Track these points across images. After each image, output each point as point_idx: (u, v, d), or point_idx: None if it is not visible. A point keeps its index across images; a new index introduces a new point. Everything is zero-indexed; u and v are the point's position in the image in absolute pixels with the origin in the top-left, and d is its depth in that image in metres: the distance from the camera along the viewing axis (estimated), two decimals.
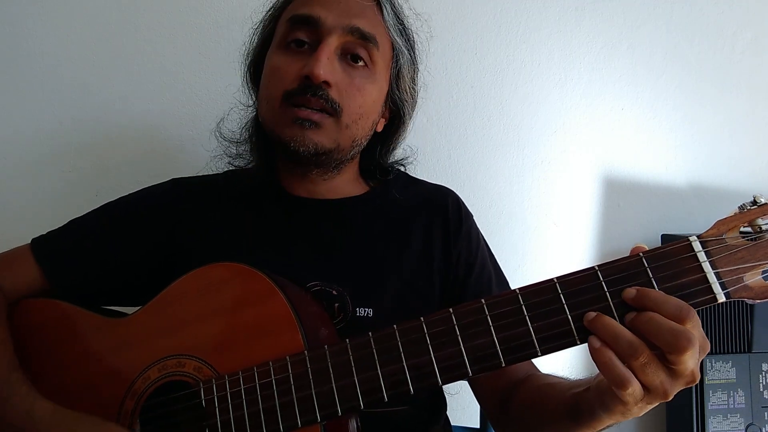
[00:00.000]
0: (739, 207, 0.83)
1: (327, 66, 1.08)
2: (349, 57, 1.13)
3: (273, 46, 1.16)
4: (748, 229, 0.82)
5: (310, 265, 1.15)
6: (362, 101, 1.16)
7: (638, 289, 0.80)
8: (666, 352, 0.75)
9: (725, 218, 0.82)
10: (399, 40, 1.20)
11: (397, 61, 1.21)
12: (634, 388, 0.76)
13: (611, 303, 0.81)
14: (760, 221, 0.81)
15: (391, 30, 1.18)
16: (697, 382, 0.77)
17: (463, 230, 1.25)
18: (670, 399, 0.77)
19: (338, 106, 1.11)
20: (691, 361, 0.75)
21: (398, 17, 1.21)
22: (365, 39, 1.13)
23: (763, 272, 0.79)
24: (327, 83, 1.09)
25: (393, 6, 1.20)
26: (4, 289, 1.14)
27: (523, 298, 0.85)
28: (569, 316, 0.82)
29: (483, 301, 0.86)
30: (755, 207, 0.82)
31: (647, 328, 0.76)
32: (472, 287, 1.22)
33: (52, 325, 1.11)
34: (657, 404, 0.79)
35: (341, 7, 1.12)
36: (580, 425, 0.88)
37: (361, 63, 1.14)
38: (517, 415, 1.09)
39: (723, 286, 0.79)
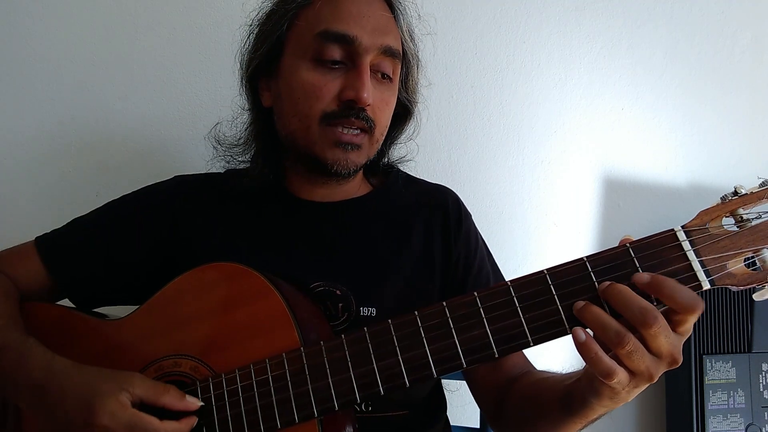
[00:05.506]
0: (721, 198, 0.85)
1: (371, 90, 1.09)
2: (379, 75, 1.14)
3: (297, 57, 1.13)
4: (730, 219, 0.84)
5: (313, 265, 1.15)
6: (388, 114, 1.19)
7: (651, 275, 0.81)
8: (634, 326, 0.77)
9: (708, 208, 0.84)
10: (411, 46, 1.21)
11: (408, 65, 1.22)
12: (621, 377, 0.77)
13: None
14: (741, 211, 0.83)
15: (405, 37, 1.18)
16: (680, 364, 0.79)
17: (462, 230, 1.25)
18: (656, 381, 0.79)
19: (373, 124, 1.13)
20: (661, 337, 0.76)
21: (408, 22, 1.21)
22: (394, 56, 1.14)
23: (745, 260, 0.81)
24: (369, 105, 1.10)
25: (404, 13, 1.20)
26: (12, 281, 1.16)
27: (515, 289, 0.86)
28: (559, 306, 0.84)
29: (475, 294, 0.88)
30: (736, 197, 0.84)
31: (617, 300, 0.79)
32: (470, 286, 1.22)
33: (47, 328, 1.11)
34: (645, 387, 0.81)
35: (372, 23, 1.10)
36: (573, 415, 0.89)
37: (386, 78, 1.15)
38: (513, 412, 1.10)
39: (707, 274, 0.81)
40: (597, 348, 0.78)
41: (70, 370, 0.97)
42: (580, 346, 0.79)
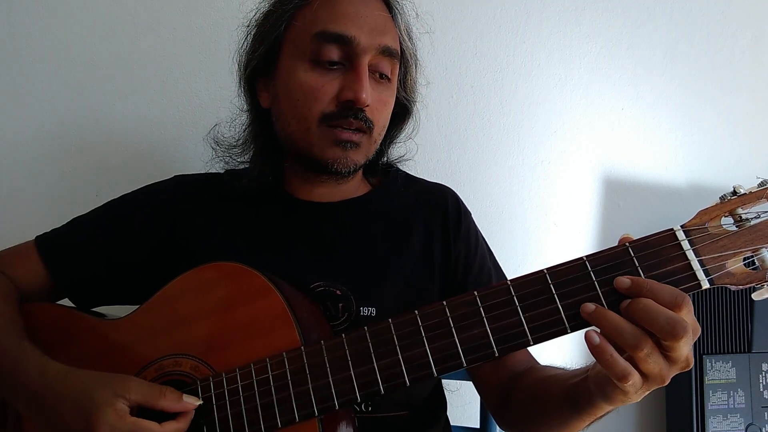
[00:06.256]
0: (720, 197, 0.85)
1: (369, 90, 1.09)
2: (377, 74, 1.13)
3: (294, 58, 1.12)
4: (729, 218, 0.84)
5: (313, 265, 1.15)
6: (387, 113, 1.19)
7: (631, 278, 0.81)
8: (661, 339, 0.76)
9: (707, 208, 0.85)
10: (409, 45, 1.20)
11: (406, 64, 1.22)
12: (635, 379, 0.78)
13: (600, 292, 0.83)
14: (740, 210, 0.84)
15: (403, 36, 1.18)
16: (692, 366, 0.79)
17: (462, 228, 1.25)
18: (667, 383, 0.80)
19: (371, 124, 1.13)
20: (685, 347, 0.77)
21: (406, 21, 1.21)
22: (392, 56, 1.14)
23: (744, 259, 0.82)
24: (367, 106, 1.10)
25: (402, 12, 1.19)
26: (12, 281, 1.16)
27: (515, 289, 0.86)
28: (559, 306, 0.84)
29: (476, 293, 0.88)
30: (735, 197, 0.84)
31: (642, 316, 0.78)
32: (471, 285, 1.22)
33: (46, 328, 1.11)
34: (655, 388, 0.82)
35: (369, 23, 1.10)
36: (580, 413, 0.90)
37: (384, 78, 1.15)
38: (518, 408, 1.10)
39: (707, 273, 0.82)
40: (612, 350, 0.78)
41: (64, 376, 0.96)
42: (595, 349, 0.79)
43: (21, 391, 0.98)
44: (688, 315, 0.77)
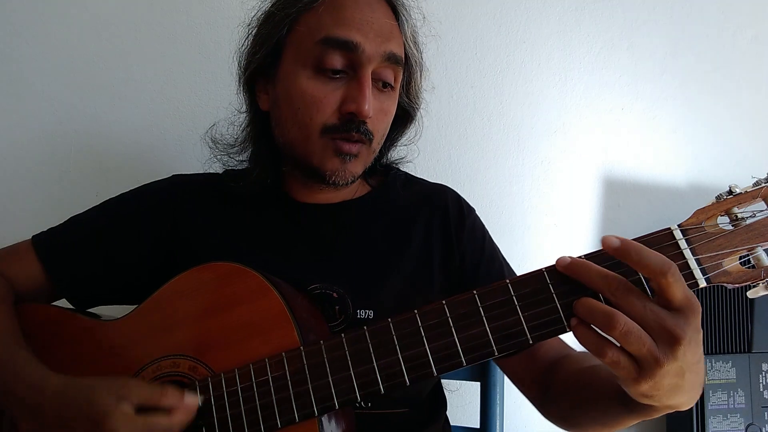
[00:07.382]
0: (716, 197, 0.86)
1: (371, 102, 1.08)
2: (380, 84, 1.13)
3: (297, 64, 1.11)
4: (726, 217, 0.85)
5: (311, 267, 1.15)
6: (387, 122, 1.18)
7: (620, 238, 0.79)
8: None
9: (704, 207, 0.86)
10: (414, 52, 1.18)
11: (410, 70, 1.20)
12: (617, 357, 0.76)
13: None
14: (736, 210, 0.84)
15: (408, 42, 1.16)
16: (681, 343, 0.74)
17: (466, 226, 1.24)
18: (666, 366, 0.75)
19: (371, 135, 1.12)
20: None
21: (413, 28, 1.19)
22: (397, 63, 1.13)
23: (740, 258, 0.82)
24: (369, 118, 1.09)
25: (408, 19, 1.17)
26: (8, 281, 1.15)
27: (514, 288, 0.86)
28: (558, 304, 0.84)
29: (475, 292, 0.88)
30: (731, 196, 0.85)
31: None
32: (484, 278, 1.21)
33: (41, 330, 1.10)
34: (671, 379, 0.77)
35: (375, 29, 1.08)
36: (632, 411, 0.87)
37: (387, 87, 1.14)
38: (561, 397, 1.06)
39: (704, 272, 0.82)
40: (585, 328, 0.79)
41: (63, 390, 0.93)
42: (573, 330, 0.81)
43: (20, 405, 0.96)
44: (676, 283, 0.75)
